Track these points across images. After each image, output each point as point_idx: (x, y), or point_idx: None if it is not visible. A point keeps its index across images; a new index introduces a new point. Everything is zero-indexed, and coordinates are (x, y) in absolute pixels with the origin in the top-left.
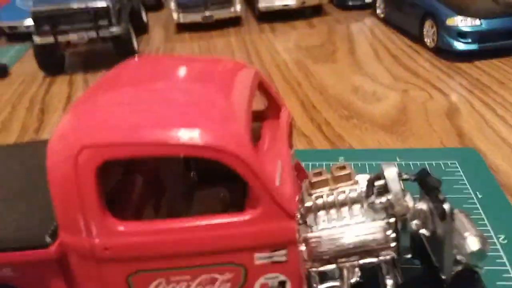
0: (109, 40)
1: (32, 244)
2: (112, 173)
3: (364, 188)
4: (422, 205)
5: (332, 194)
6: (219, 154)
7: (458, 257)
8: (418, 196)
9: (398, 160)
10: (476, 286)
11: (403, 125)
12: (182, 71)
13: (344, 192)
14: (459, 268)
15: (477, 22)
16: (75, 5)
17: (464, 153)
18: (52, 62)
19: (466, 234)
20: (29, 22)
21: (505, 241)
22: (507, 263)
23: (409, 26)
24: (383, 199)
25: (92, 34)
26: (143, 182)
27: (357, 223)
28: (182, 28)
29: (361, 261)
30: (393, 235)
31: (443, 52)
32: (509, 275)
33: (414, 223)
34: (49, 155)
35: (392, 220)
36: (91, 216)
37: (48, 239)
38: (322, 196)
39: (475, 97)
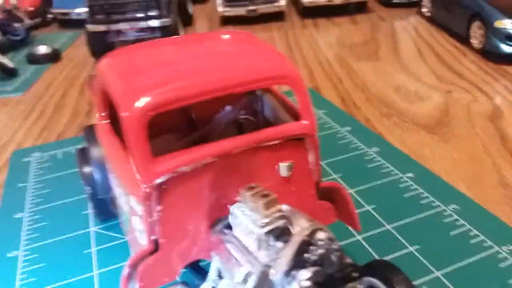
0: (157, 30)
1: None
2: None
3: (277, 225)
4: (299, 281)
5: (244, 215)
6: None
7: None
8: None
9: None
10: None
11: (445, 126)
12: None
13: (255, 219)
14: None
15: None
16: None
17: None
18: (103, 49)
19: None
20: (80, 9)
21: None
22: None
23: (455, 27)
24: (279, 246)
25: (143, 24)
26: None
27: (245, 252)
28: (227, 20)
29: None
30: (255, 285)
31: (490, 54)
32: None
33: None
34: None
35: (267, 273)
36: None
37: None
38: (238, 213)
39: None
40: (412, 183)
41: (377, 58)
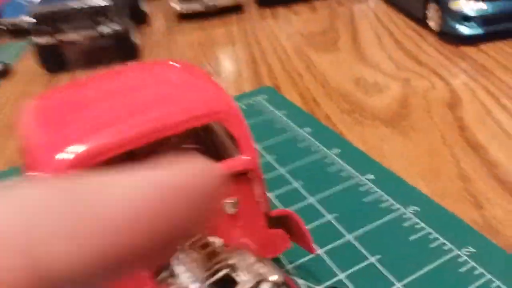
0: (111, 37)
1: None
2: None
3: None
4: None
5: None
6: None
7: None
8: None
9: None
10: None
11: (403, 119)
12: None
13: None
14: None
15: (482, 5)
16: (75, 5)
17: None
18: (53, 60)
19: None
20: (30, 19)
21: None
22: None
23: (413, 8)
24: None
25: (92, 32)
26: None
27: None
28: (184, 17)
29: None
30: None
31: (448, 36)
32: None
33: None
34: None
35: None
36: None
37: None
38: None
39: (478, 85)
40: (372, 185)
41: (336, 48)
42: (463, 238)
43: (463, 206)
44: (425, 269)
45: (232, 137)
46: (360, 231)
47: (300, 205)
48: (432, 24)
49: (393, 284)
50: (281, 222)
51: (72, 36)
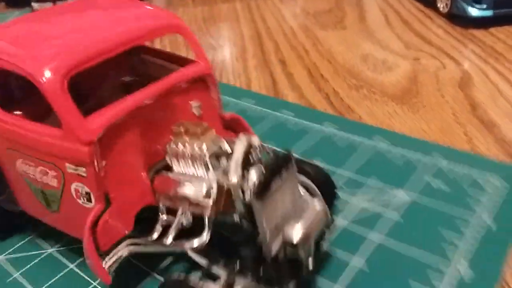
0: None
1: None
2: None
3: (216, 149)
4: (258, 179)
5: (185, 147)
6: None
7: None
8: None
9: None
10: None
11: (414, 96)
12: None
13: (195, 147)
14: (282, 255)
15: None
16: None
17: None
18: None
19: (297, 218)
20: None
21: None
22: None
23: None
24: (224, 161)
25: None
26: None
27: (190, 179)
28: None
29: (191, 209)
30: (213, 199)
31: (457, 18)
32: None
33: (245, 193)
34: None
35: (223, 185)
36: None
37: None
38: (178, 146)
39: (489, 66)
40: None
41: (343, 26)
42: None
43: None
44: None
45: (168, 58)
46: None
47: None
48: (440, 5)
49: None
50: (231, 126)
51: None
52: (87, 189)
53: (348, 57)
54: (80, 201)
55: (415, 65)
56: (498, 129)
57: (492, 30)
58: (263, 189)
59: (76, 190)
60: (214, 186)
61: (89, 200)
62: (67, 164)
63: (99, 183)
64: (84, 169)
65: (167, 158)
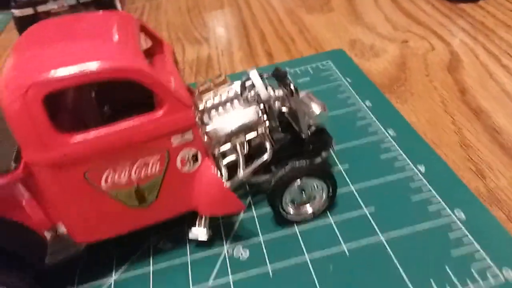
0: (91, 4)
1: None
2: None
3: (238, 89)
4: (279, 91)
5: (216, 96)
6: (129, 73)
7: (310, 122)
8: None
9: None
10: (324, 137)
11: (402, 84)
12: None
13: (225, 93)
14: (312, 128)
15: None
16: None
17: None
18: None
19: (311, 104)
20: None
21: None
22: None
23: None
24: (252, 92)
25: (72, 0)
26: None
27: (238, 112)
28: None
29: (247, 137)
30: (264, 115)
31: None
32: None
33: (276, 104)
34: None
35: (261, 105)
36: (46, 135)
37: (13, 164)
38: (209, 99)
39: (479, 45)
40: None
41: (330, 8)
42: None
43: (466, 175)
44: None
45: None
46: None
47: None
48: None
49: (376, 234)
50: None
51: (51, 5)
52: (194, 150)
53: (336, 44)
54: (186, 168)
55: (403, 49)
56: (486, 115)
57: (481, 3)
58: (295, 91)
59: (182, 160)
60: (261, 105)
61: (196, 160)
62: (173, 138)
63: (203, 140)
64: (191, 131)
65: (199, 119)
